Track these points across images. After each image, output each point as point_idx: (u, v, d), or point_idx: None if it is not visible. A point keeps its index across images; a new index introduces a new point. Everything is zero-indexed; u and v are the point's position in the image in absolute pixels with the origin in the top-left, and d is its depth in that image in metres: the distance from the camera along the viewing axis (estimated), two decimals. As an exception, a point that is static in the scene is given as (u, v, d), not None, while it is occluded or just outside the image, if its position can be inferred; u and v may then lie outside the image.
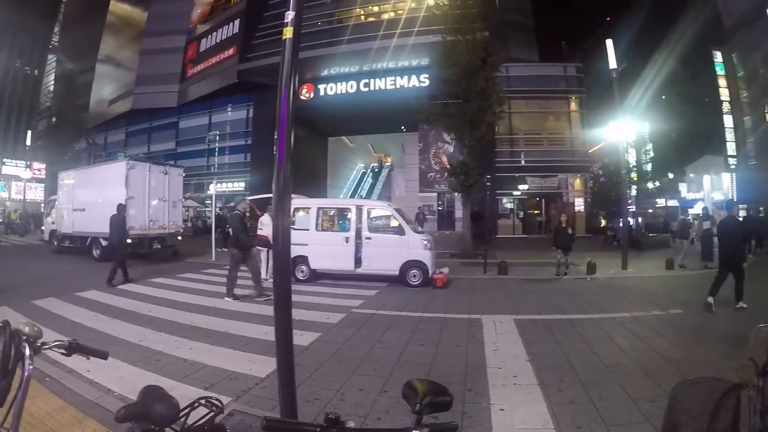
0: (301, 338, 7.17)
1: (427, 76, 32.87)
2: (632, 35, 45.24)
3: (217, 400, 2.07)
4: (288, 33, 2.42)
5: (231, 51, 45.20)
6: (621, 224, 22.69)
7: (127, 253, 14.17)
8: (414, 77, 35.36)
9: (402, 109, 29.42)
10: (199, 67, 49.60)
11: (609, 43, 19.42)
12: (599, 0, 65.83)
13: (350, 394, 5.21)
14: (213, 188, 22.78)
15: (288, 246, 3.39)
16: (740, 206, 38.13)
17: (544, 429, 4.41)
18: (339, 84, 38.09)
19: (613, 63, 19.18)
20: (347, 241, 13.65)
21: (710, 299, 10.03)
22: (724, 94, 47.82)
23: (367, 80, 37.13)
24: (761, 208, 23.51)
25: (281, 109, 2.64)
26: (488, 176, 23.24)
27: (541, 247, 22.73)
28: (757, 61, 43.05)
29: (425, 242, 13.53)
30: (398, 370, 5.97)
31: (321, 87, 38.29)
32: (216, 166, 25.13)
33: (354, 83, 37.56)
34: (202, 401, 2.05)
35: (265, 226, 13.15)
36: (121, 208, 13.99)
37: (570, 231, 16.15)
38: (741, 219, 12.73)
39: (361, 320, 8.95)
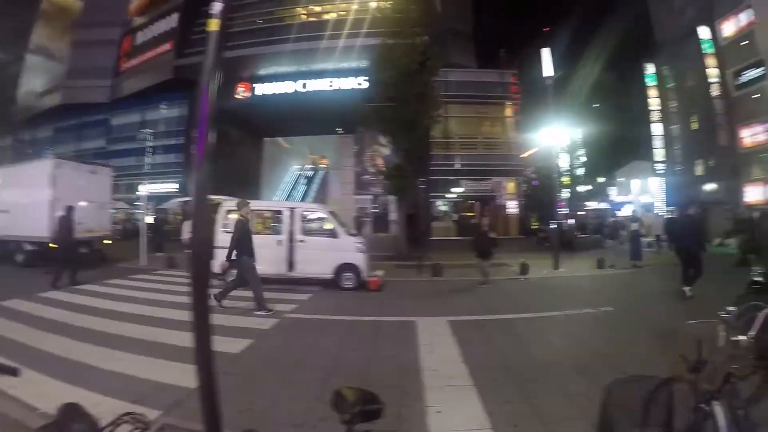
0: (232, 345, 6.98)
1: (365, 78, 32.77)
2: (569, 46, 46.55)
3: (142, 415, 1.91)
4: (213, 25, 2.28)
5: (167, 46, 44.13)
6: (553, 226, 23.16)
7: (74, 256, 13.58)
8: (352, 79, 35.18)
9: (339, 111, 29.30)
10: (133, 62, 48.29)
11: (545, 51, 19.88)
12: (538, 11, 67.69)
13: (285, 401, 5.07)
14: (144, 189, 22.00)
15: (208, 248, 3.24)
16: (669, 208, 40.58)
17: (480, 430, 4.42)
18: (276, 84, 37.40)
19: (547, 71, 19.65)
20: (280, 244, 13.33)
21: (686, 289, 11.15)
22: (654, 104, 50.00)
23: (305, 81, 36.67)
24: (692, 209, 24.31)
25: (201, 104, 2.49)
26: (423, 179, 23.26)
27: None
28: (686, 75, 44.98)
29: (359, 245, 13.45)
30: (333, 376, 5.86)
31: (258, 86, 37.57)
32: (148, 165, 24.31)
33: (292, 83, 37.02)
34: (127, 418, 1.89)
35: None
36: (70, 210, 13.59)
37: (492, 235, 14.78)
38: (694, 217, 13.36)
39: (294, 325, 8.79)
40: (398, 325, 8.69)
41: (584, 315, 9.77)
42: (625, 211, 34.95)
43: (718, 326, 3.16)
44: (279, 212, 14.08)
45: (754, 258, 12.25)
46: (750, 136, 37.57)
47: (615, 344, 7.42)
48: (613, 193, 54.93)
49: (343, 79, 35.70)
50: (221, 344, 4.97)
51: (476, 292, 12.79)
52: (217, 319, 3.22)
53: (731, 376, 2.99)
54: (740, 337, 3.14)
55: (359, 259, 13.17)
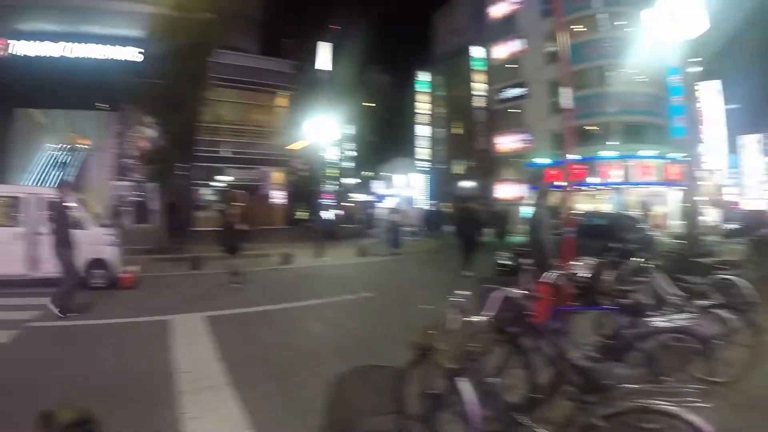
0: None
1: (140, 50, 29.88)
2: (352, 45, 47.86)
3: None
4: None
5: None
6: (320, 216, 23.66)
7: None
8: (127, 49, 31.78)
9: (108, 84, 26.36)
10: None
11: (323, 45, 20.11)
12: (330, 8, 68.53)
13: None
14: None
15: None
16: (430, 202, 44.77)
17: (241, 430, 4.34)
18: (39, 43, 32.09)
19: (322, 64, 19.89)
20: (14, 238, 10.93)
21: (467, 273, 12.33)
22: (423, 108, 54.98)
23: (73, 44, 32.21)
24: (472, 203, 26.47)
25: None
26: (187, 165, 21.96)
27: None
28: (455, 86, 50.01)
29: (110, 238, 11.80)
30: (80, 392, 5.13)
31: (15, 44, 31.91)
32: None
33: (57, 45, 32.21)
34: None
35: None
36: None
37: (241, 227, 12.63)
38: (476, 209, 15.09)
39: (36, 336, 7.55)
40: (151, 326, 8.04)
41: (345, 301, 10.16)
42: (389, 204, 37.27)
43: (449, 309, 3.48)
44: (13, 199, 11.46)
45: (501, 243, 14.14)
46: (504, 143, 44.43)
47: (373, 329, 7.79)
48: (379, 186, 58.42)
49: (116, 47, 32.03)
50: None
51: (241, 280, 12.49)
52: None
53: (472, 354, 3.30)
54: (477, 318, 3.50)
55: (110, 254, 11.57)
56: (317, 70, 21.73)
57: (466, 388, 3.14)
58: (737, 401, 4.93)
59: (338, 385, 2.78)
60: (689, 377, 4.44)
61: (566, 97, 6.08)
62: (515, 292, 4.03)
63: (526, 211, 15.51)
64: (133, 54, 30.72)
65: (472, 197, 20.09)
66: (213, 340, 7.18)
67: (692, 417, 2.45)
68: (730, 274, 6.96)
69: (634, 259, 6.09)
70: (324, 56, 19.95)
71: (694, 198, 8.75)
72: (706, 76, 61.07)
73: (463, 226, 14.46)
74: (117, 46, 31.49)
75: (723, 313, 5.55)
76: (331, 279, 13.69)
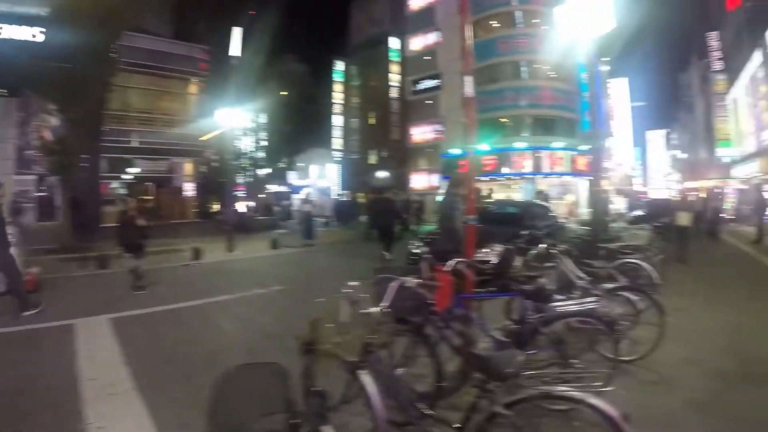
0: None
1: (41, 30, 27.75)
2: (268, 32, 46.77)
3: None
4: None
5: None
6: (232, 209, 23.08)
7: None
8: (24, 28, 29.46)
9: (5, 66, 24.41)
10: None
11: (236, 30, 19.50)
12: None
13: None
14: None
15: None
16: (344, 191, 44.70)
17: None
18: None
19: (236, 51, 19.30)
20: None
21: (386, 254, 12.83)
22: (338, 98, 54.25)
23: None
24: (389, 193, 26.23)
25: None
26: (93, 156, 20.57)
27: (153, 235, 21.43)
28: (371, 76, 50.53)
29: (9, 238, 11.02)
30: None
31: None
32: None
33: None
34: None
35: None
36: None
37: (141, 223, 11.17)
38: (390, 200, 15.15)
39: None
40: (53, 332, 7.45)
41: (254, 296, 9.88)
42: (302, 194, 36.96)
43: (341, 302, 3.37)
44: None
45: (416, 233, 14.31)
46: (418, 134, 45.09)
47: (284, 323, 7.58)
48: (294, 177, 57.73)
49: (14, 26, 29.64)
50: None
51: (145, 282, 11.80)
52: None
53: (370, 345, 3.19)
54: (373, 309, 3.38)
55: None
56: (231, 56, 21.04)
57: (367, 380, 3.08)
58: (647, 378, 5.20)
59: (221, 387, 2.59)
60: (598, 358, 4.57)
61: (468, 86, 6.04)
62: (410, 281, 3.93)
63: (440, 199, 15.85)
64: (33, 33, 28.57)
65: (387, 187, 20.23)
66: (119, 343, 6.76)
67: (596, 401, 2.42)
68: (634, 258, 7.28)
69: (541, 245, 6.16)
70: (238, 42, 19.36)
71: (599, 187, 9.02)
72: (615, 74, 64.86)
73: (379, 216, 14.64)
74: (14, 25, 29.25)
75: (629, 294, 5.80)
76: (242, 273, 13.34)
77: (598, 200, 8.58)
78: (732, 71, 34.77)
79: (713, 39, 40.33)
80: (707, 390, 4.98)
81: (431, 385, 4.05)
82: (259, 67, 43.52)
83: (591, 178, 8.70)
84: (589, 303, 4.37)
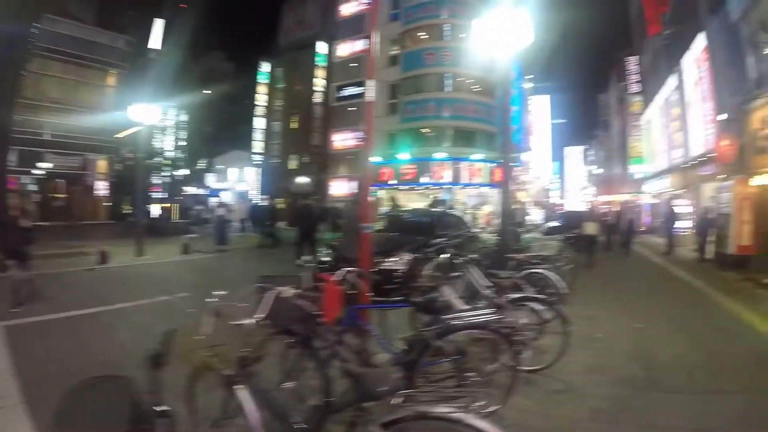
0: None
1: None
2: (195, 27, 45.29)
3: None
4: None
5: None
6: (146, 211, 22.16)
7: None
8: None
9: None
10: None
11: (158, 22, 18.74)
12: None
13: None
14: None
15: None
16: (264, 197, 43.87)
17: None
18: None
19: (155, 43, 18.52)
20: None
21: (302, 259, 13.12)
22: (261, 100, 53.09)
23: None
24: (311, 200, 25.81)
25: None
26: (1, 147, 18.85)
27: (62, 237, 20.38)
28: (296, 79, 49.83)
29: None
30: None
31: None
32: None
33: None
34: None
35: None
36: None
37: (25, 224, 9.42)
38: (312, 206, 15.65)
39: None
40: None
41: (158, 303, 9.46)
42: (220, 198, 36.03)
43: (204, 313, 3.12)
44: None
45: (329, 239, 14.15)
46: (340, 140, 44.68)
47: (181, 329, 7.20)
48: (212, 179, 56.35)
49: None
50: None
51: (46, 287, 10.86)
52: None
53: (246, 359, 2.95)
54: (247, 321, 3.12)
55: None
56: (153, 49, 20.14)
57: (244, 396, 2.89)
58: (552, 387, 5.19)
59: (68, 401, 2.30)
60: (501, 369, 4.42)
61: (370, 91, 5.83)
62: (287, 290, 3.69)
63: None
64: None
65: (307, 193, 19.93)
66: (9, 354, 6.26)
67: (476, 421, 2.25)
68: (542, 268, 7.30)
69: (443, 255, 6.04)
70: (159, 35, 18.60)
71: (510, 198, 9.06)
72: (539, 92, 67.08)
73: (300, 221, 14.77)
74: None
75: (534, 305, 5.77)
76: (149, 279, 12.73)
77: (507, 211, 8.61)
78: (648, 94, 36.11)
79: (632, 63, 41.94)
80: (613, 398, 5.00)
81: (317, 401, 3.82)
82: (182, 62, 42.23)
83: (501, 189, 8.70)
84: (486, 314, 4.26)
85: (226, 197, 29.13)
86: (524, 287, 6.40)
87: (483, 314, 4.26)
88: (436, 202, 20.47)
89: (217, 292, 3.26)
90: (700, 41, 19.53)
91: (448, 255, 6.01)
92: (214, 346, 3.04)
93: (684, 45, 21.74)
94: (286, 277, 4.05)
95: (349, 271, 4.75)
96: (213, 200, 41.82)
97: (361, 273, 5.01)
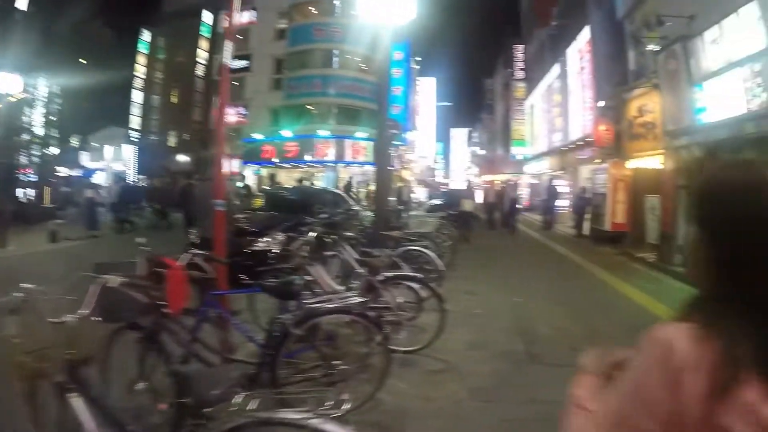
0: None
1: None
2: None
3: None
4: None
5: None
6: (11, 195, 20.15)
7: None
8: None
9: None
10: None
11: None
12: None
13: None
14: None
15: None
16: (142, 176, 41.09)
17: None
18: None
19: (21, 3, 16.75)
20: None
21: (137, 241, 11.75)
22: (141, 71, 49.48)
23: None
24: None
25: None
26: None
27: None
28: (179, 50, 47.32)
29: None
30: None
31: None
32: None
33: None
34: None
35: None
36: None
37: None
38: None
39: None
40: None
41: (11, 301, 8.46)
42: (95, 179, 33.49)
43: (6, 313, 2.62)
44: None
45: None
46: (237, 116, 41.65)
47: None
48: (87, 158, 52.11)
49: None
50: None
51: None
52: None
53: (75, 362, 2.54)
54: (67, 318, 2.62)
55: None
56: (18, 9, 18.24)
57: (78, 404, 2.44)
58: (431, 367, 5.04)
59: None
60: (373, 353, 4.17)
61: (227, 53, 5.36)
62: (117, 280, 3.04)
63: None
64: None
65: (189, 172, 18.81)
66: None
67: (326, 425, 2.00)
68: (419, 245, 7.16)
69: (312, 233, 5.67)
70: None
71: (386, 176, 8.85)
72: (425, 74, 67.89)
73: (184, 203, 14.01)
74: None
75: (409, 283, 5.63)
76: (8, 272, 11.45)
77: (383, 189, 8.39)
78: (532, 81, 37.49)
79: (519, 51, 43.39)
80: (493, 375, 4.93)
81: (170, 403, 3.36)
82: (53, 26, 38.68)
83: (376, 167, 8.47)
84: (352, 297, 4.00)
85: (101, 178, 27.00)
86: (402, 265, 6.24)
87: (348, 297, 4.00)
88: (299, 181, 20.19)
89: (26, 285, 2.69)
90: (585, 34, 20.50)
91: (316, 234, 5.67)
92: (38, 350, 2.53)
93: (569, 37, 22.79)
94: (122, 263, 3.50)
95: (196, 254, 4.26)
96: (87, 181, 38.91)
97: (210, 256, 4.54)
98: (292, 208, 10.38)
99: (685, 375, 0.81)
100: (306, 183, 18.48)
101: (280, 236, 5.58)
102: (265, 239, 6.07)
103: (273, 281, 4.06)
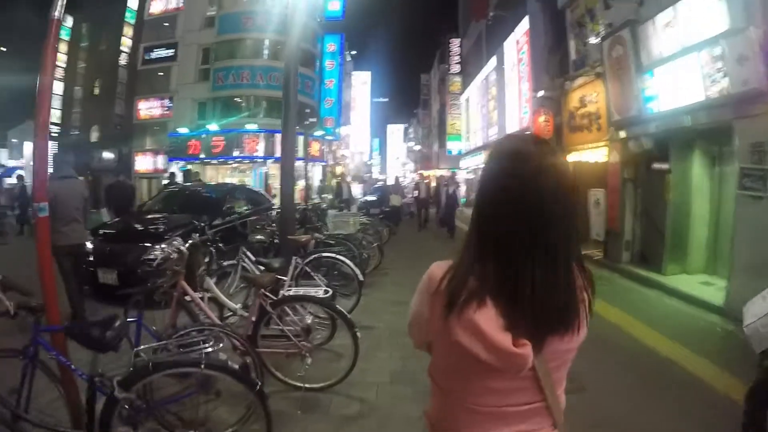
0: None
1: None
2: None
3: None
4: None
5: None
6: None
7: None
8: None
9: None
10: None
11: None
12: None
13: None
14: None
15: None
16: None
17: None
18: None
19: None
20: None
21: None
22: (62, 60, 45.98)
23: None
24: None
25: None
26: None
27: None
28: (102, 38, 43.90)
29: None
30: None
31: None
32: None
33: None
34: None
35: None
36: None
37: None
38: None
39: None
40: None
41: None
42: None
43: None
44: None
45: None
46: (146, 109, 39.96)
47: None
48: (4, 156, 48.67)
49: None
50: None
51: None
52: None
53: None
54: None
55: None
56: None
57: None
58: (343, 411, 3.99)
59: None
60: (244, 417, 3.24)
61: (59, 8, 3.90)
62: None
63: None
64: None
65: (112, 170, 17.21)
66: None
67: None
68: (334, 251, 6.17)
69: (192, 240, 4.48)
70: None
71: (291, 172, 7.67)
72: (359, 68, 67.22)
73: (113, 201, 12.47)
74: None
75: (303, 306, 4.56)
76: None
77: (289, 186, 7.10)
78: (468, 75, 37.33)
79: (455, 45, 43.02)
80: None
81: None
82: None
83: (282, 163, 7.26)
84: (202, 340, 2.81)
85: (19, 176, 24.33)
86: (317, 276, 5.19)
87: (195, 341, 2.80)
88: (170, 175, 18.93)
89: None
90: (524, 25, 19.91)
91: (197, 240, 4.47)
92: None
93: (507, 29, 22.25)
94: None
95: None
96: (6, 181, 35.82)
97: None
98: (196, 208, 8.93)
99: (434, 297, 1.14)
100: (198, 179, 17.15)
101: (177, 242, 4.33)
102: (161, 246, 4.79)
103: (87, 323, 2.87)
